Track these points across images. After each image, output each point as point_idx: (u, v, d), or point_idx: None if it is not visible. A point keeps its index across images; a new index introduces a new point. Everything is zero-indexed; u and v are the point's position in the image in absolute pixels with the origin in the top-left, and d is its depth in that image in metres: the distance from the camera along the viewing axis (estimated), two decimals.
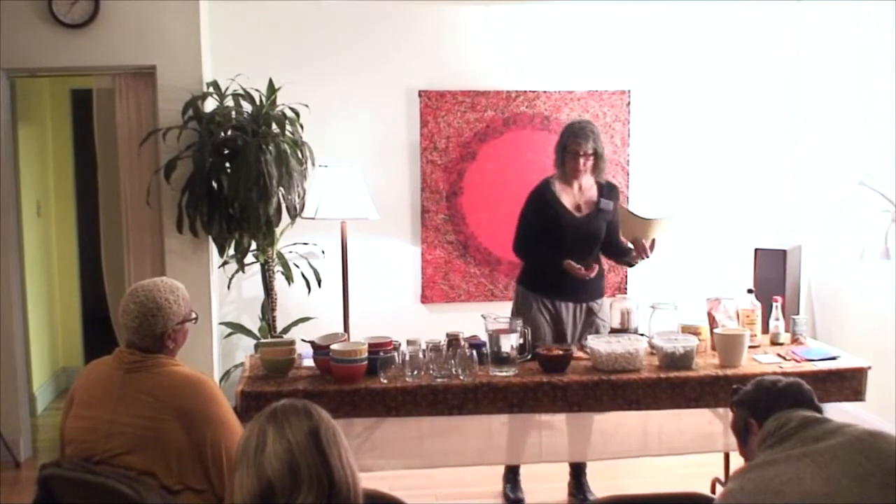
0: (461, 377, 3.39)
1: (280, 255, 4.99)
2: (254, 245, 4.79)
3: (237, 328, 5.09)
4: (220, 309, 5.14)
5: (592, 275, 3.90)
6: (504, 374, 3.44)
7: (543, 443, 3.69)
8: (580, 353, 3.66)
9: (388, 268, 5.34)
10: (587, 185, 4.05)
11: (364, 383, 3.34)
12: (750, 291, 3.94)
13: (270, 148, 4.56)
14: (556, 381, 3.39)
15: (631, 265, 4.15)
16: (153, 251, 4.85)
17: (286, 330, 4.98)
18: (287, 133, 4.70)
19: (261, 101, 4.76)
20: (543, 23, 5.32)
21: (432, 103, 5.25)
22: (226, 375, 4.96)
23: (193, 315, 2.78)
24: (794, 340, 3.85)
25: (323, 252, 5.17)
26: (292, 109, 4.78)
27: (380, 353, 3.41)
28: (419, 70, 5.25)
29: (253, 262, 4.96)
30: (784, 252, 5.07)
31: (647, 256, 3.94)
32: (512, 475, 4.20)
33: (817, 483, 1.95)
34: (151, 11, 4.71)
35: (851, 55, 5.04)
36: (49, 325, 6.06)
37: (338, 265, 4.89)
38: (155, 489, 2.47)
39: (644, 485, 4.17)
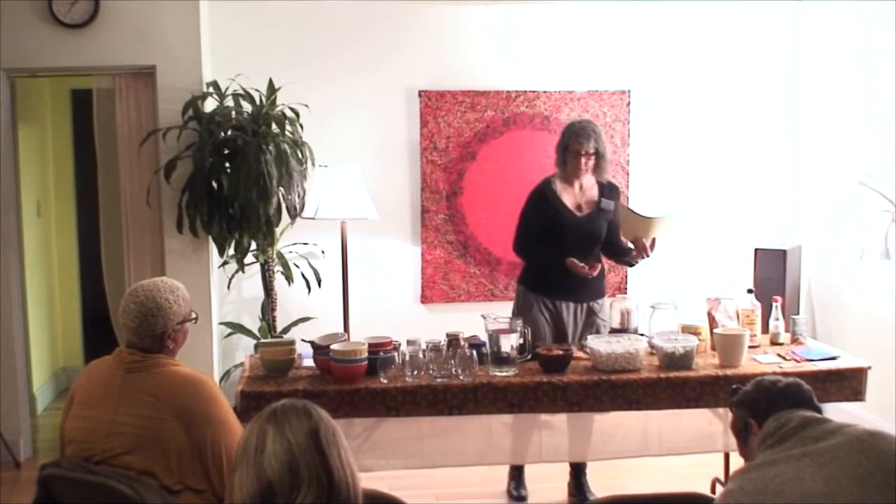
0: (461, 377, 3.39)
1: (280, 255, 4.99)
2: (254, 245, 4.79)
3: (237, 328, 5.09)
4: (220, 309, 5.14)
5: (595, 273, 3.91)
6: (504, 374, 3.44)
7: (543, 443, 3.69)
8: (580, 353, 3.66)
9: (388, 268, 5.34)
10: (588, 185, 4.05)
11: (364, 383, 3.34)
12: (750, 291, 3.93)
13: (270, 148, 4.56)
14: (556, 381, 3.39)
15: (631, 265, 4.15)
16: (153, 251, 4.85)
17: (286, 330, 4.98)
18: (287, 133, 4.70)
19: (261, 101, 4.76)
20: (543, 23, 5.32)
21: (432, 103, 5.25)
22: (226, 375, 4.96)
23: (193, 315, 2.78)
24: (794, 340, 3.85)
25: (323, 252, 5.16)
26: (292, 109, 4.78)
27: (380, 353, 3.42)
28: (419, 70, 5.25)
29: (253, 262, 4.96)
30: (784, 252, 5.08)
31: (648, 256, 3.94)
32: (517, 473, 4.22)
33: (817, 483, 1.95)
34: (151, 11, 4.71)
35: (851, 55, 5.04)
36: (49, 325, 6.05)
37: (338, 265, 4.89)
38: (155, 489, 2.47)
39: (644, 485, 4.17)
